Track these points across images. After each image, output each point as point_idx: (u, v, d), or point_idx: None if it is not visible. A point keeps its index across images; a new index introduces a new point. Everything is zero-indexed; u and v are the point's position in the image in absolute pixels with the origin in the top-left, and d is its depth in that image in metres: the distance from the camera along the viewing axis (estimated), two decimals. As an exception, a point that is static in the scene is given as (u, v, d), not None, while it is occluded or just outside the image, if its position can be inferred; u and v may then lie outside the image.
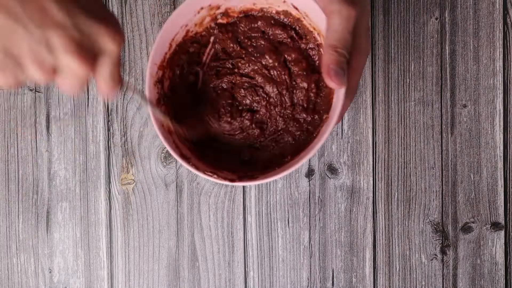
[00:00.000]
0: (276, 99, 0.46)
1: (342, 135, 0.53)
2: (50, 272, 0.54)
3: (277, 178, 0.42)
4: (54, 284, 0.54)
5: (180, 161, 0.41)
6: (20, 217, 0.54)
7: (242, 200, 0.53)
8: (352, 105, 0.53)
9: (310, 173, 0.53)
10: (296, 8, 0.43)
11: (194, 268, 0.53)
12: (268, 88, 0.46)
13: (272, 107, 0.46)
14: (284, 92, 0.46)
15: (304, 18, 0.43)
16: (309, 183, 0.53)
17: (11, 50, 0.24)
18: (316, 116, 0.45)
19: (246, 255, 0.53)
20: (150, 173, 0.53)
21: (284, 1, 0.43)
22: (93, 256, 0.54)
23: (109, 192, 0.53)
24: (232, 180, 0.41)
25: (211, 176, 0.41)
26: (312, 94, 0.45)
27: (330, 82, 0.36)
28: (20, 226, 0.54)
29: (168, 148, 0.41)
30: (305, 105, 0.45)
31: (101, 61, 0.27)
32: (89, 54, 0.26)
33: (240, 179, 0.41)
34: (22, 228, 0.54)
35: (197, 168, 0.41)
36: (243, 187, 0.53)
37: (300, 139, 0.45)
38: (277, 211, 0.53)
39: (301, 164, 0.40)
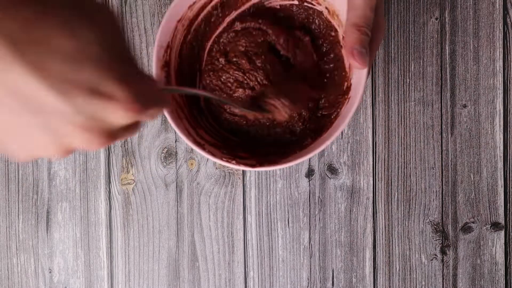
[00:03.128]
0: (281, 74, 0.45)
1: (342, 135, 0.53)
2: (50, 272, 0.54)
3: (299, 163, 0.42)
4: (54, 284, 0.54)
5: (195, 148, 0.40)
6: (20, 217, 0.54)
7: (242, 200, 0.53)
8: (352, 105, 0.53)
9: (310, 173, 0.53)
10: None
11: (194, 268, 0.53)
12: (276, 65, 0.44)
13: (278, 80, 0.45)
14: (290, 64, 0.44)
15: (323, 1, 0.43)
16: (309, 183, 0.53)
17: (18, 136, 0.22)
18: (332, 97, 0.44)
19: (246, 255, 0.53)
20: (150, 173, 0.53)
21: None
22: (93, 256, 0.54)
23: (109, 192, 0.53)
24: (252, 166, 0.40)
25: (229, 162, 0.40)
26: (323, 75, 0.44)
27: (354, 63, 0.35)
28: (20, 226, 0.54)
29: (181, 135, 0.40)
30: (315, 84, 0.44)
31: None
32: (98, 133, 0.23)
33: (261, 164, 0.40)
34: (22, 228, 0.54)
35: (213, 155, 0.40)
36: (243, 186, 0.53)
37: (313, 122, 0.45)
38: (277, 211, 0.53)
39: (324, 146, 0.39)
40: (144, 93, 0.24)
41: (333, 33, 0.45)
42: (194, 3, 0.43)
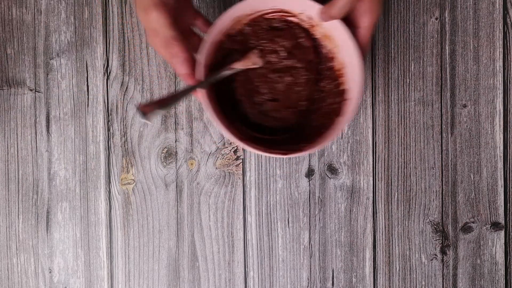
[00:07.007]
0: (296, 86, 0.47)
1: (342, 135, 0.53)
2: (50, 272, 0.54)
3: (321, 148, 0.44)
4: (54, 284, 0.54)
5: (238, 142, 0.41)
6: (20, 217, 0.54)
7: (242, 200, 0.53)
8: (352, 105, 0.53)
9: (310, 173, 0.53)
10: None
11: (194, 268, 0.53)
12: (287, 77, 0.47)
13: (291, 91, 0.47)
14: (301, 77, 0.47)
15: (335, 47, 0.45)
16: (309, 183, 0.53)
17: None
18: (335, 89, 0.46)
19: (246, 255, 0.53)
20: (150, 173, 0.53)
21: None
22: (93, 256, 0.54)
23: (109, 192, 0.53)
24: (284, 153, 0.42)
25: (265, 151, 0.42)
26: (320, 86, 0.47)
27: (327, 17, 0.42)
28: (20, 226, 0.54)
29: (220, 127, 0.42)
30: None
31: None
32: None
33: (288, 153, 0.43)
34: (22, 228, 0.54)
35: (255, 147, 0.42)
36: (243, 186, 0.53)
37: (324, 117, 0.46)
38: (277, 211, 0.53)
39: (332, 139, 0.42)
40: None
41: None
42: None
